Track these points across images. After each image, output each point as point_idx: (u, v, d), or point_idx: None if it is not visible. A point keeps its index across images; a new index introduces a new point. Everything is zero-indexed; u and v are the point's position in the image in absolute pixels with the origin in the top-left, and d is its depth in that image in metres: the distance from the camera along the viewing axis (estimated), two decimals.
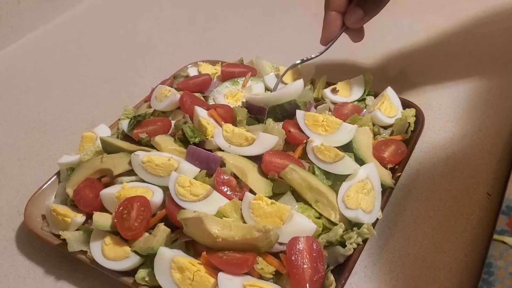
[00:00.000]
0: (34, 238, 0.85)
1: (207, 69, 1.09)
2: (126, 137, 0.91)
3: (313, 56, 0.91)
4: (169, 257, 0.67)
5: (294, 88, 0.89)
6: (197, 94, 0.97)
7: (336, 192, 0.74)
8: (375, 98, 0.94)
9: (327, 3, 0.84)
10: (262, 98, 0.89)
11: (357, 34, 0.89)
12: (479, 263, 0.70)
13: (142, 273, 0.70)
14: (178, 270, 0.66)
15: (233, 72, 1.02)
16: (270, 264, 0.66)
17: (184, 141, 0.84)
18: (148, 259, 0.72)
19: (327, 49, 0.90)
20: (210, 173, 0.78)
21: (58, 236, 0.78)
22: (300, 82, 0.90)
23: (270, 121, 0.84)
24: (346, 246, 0.67)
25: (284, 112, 0.87)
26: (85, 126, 1.13)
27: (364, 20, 0.84)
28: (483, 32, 1.16)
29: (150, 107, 0.99)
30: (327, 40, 0.88)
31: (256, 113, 0.88)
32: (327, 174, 0.77)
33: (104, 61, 1.40)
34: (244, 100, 0.91)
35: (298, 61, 0.92)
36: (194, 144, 0.82)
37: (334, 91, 0.94)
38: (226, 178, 0.76)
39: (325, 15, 0.85)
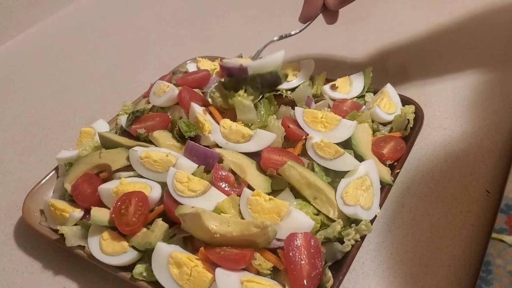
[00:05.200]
0: (32, 233, 0.85)
1: (206, 65, 1.09)
2: (124, 132, 0.91)
3: (292, 33, 0.92)
4: (166, 252, 0.67)
5: (275, 58, 0.87)
6: (196, 90, 0.96)
7: (335, 189, 0.73)
8: (374, 94, 0.94)
9: None
10: (240, 63, 0.86)
11: (332, 17, 0.90)
12: (478, 261, 0.69)
13: (139, 268, 0.69)
14: (175, 266, 0.66)
15: None
16: (267, 260, 0.66)
17: (181, 136, 0.84)
18: (145, 255, 0.72)
19: (305, 27, 0.91)
20: (208, 169, 0.78)
21: (56, 231, 0.78)
22: (281, 53, 0.88)
23: (271, 118, 0.84)
24: (344, 242, 0.67)
25: (265, 83, 0.86)
26: (84, 121, 1.13)
27: (344, 3, 0.85)
28: (483, 28, 1.15)
29: (148, 102, 0.99)
30: (306, 18, 0.89)
31: (237, 74, 0.86)
32: (327, 171, 0.77)
33: (103, 56, 1.40)
34: (222, 62, 0.88)
35: (276, 38, 0.93)
36: (190, 138, 0.82)
37: (333, 87, 0.94)
38: (224, 174, 0.76)
39: None
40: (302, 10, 0.88)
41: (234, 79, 0.86)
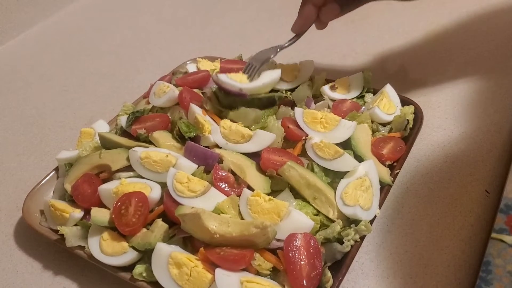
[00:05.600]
0: (32, 233, 0.85)
1: (206, 65, 1.09)
2: (124, 133, 0.91)
3: (285, 45, 0.91)
4: (166, 252, 0.67)
5: (272, 78, 0.88)
6: (196, 90, 0.96)
7: (335, 189, 0.74)
8: (374, 95, 0.94)
9: None
10: (239, 87, 0.86)
11: (323, 24, 0.89)
12: (477, 261, 0.70)
13: (139, 269, 0.70)
14: (175, 266, 0.66)
15: (232, 68, 1.02)
16: (267, 261, 0.66)
17: (181, 137, 0.84)
18: (145, 255, 0.72)
19: (298, 38, 0.90)
20: (208, 169, 0.78)
21: (56, 231, 0.78)
22: (278, 72, 0.90)
23: (271, 118, 0.84)
24: (343, 243, 0.67)
25: (261, 105, 0.87)
26: (84, 121, 1.13)
27: (337, 16, 0.84)
28: (482, 29, 1.15)
29: (148, 103, 0.99)
30: (300, 30, 0.88)
31: (235, 95, 0.87)
32: (326, 171, 0.77)
33: (103, 57, 1.40)
34: (218, 80, 0.88)
35: (272, 55, 0.91)
36: (190, 138, 0.82)
37: (333, 88, 0.94)
38: (224, 174, 0.76)
39: (303, 7, 0.85)
40: (296, 21, 0.87)
41: (232, 98, 0.87)
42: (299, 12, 0.85)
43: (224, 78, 0.87)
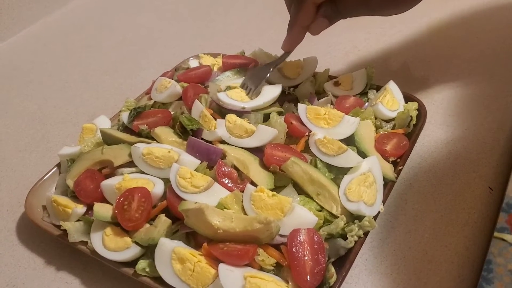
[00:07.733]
0: (35, 229, 0.85)
1: (208, 61, 1.08)
2: (126, 128, 0.91)
3: (277, 63, 0.92)
4: (169, 248, 0.67)
5: (273, 95, 0.89)
6: None
7: (338, 185, 0.73)
8: (377, 91, 0.94)
9: (294, 20, 0.82)
10: (241, 105, 0.87)
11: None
12: (481, 258, 0.69)
13: (142, 264, 0.69)
14: (178, 261, 0.66)
15: (234, 63, 1.02)
16: (271, 256, 0.66)
17: (183, 132, 0.84)
18: (148, 250, 0.72)
19: (289, 54, 0.90)
20: (211, 165, 0.78)
21: (58, 226, 0.78)
22: (279, 87, 0.90)
23: (273, 114, 0.84)
24: (347, 238, 0.67)
25: (261, 117, 0.88)
26: (86, 118, 1.13)
27: (328, 27, 0.83)
28: (485, 25, 1.15)
29: (151, 99, 0.99)
30: (290, 49, 0.89)
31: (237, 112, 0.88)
32: (330, 167, 0.77)
33: (105, 53, 1.40)
34: (219, 101, 0.88)
35: (267, 75, 0.92)
36: (192, 131, 0.82)
37: (336, 84, 0.94)
38: (227, 170, 0.76)
39: (291, 28, 0.83)
40: (285, 40, 0.86)
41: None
42: (287, 31, 0.85)
43: (225, 98, 0.88)
